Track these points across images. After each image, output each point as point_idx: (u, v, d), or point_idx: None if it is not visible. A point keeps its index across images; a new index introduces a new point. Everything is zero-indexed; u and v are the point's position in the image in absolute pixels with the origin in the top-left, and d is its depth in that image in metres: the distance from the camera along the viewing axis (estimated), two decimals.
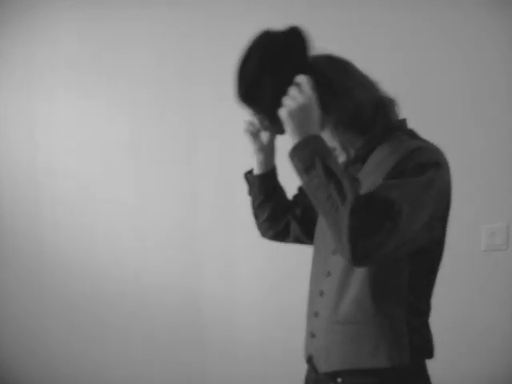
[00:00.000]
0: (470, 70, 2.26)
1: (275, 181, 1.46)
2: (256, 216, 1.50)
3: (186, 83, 2.39)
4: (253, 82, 1.16)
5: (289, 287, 2.26)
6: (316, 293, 1.28)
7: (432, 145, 1.15)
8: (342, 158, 1.23)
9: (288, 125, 1.11)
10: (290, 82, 1.13)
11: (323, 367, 1.22)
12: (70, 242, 2.46)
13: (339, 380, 1.19)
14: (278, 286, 2.34)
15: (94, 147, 2.44)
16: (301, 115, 1.09)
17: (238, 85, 1.19)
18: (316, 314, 1.26)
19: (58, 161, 2.46)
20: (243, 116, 2.40)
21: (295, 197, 1.50)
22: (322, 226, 1.33)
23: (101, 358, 2.47)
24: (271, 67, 1.15)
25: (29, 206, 2.48)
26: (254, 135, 1.38)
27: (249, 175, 1.46)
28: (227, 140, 2.34)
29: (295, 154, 1.09)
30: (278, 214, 1.46)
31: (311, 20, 2.18)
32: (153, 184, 2.41)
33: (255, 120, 1.33)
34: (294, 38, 1.17)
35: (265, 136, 1.38)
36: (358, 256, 0.99)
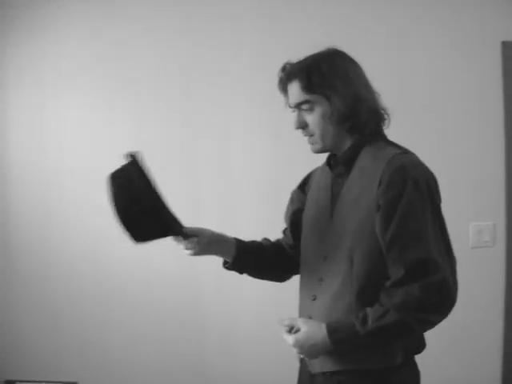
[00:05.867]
0: (463, 75, 2.34)
1: (251, 255, 1.43)
2: (265, 278, 1.52)
3: (187, 84, 2.44)
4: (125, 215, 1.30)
5: (289, 281, 2.29)
6: (308, 297, 1.29)
7: (408, 155, 1.18)
8: (317, 146, 1.24)
9: (311, 356, 1.19)
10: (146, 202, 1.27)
11: (317, 368, 1.25)
12: (76, 241, 2.50)
13: (333, 378, 1.22)
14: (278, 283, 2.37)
15: (99, 147, 2.49)
16: (310, 348, 1.16)
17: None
18: (310, 318, 1.27)
19: (65, 160, 2.50)
20: (243, 116, 2.46)
21: (284, 235, 1.51)
22: (309, 231, 1.35)
23: (103, 352, 2.50)
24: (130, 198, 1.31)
25: (38, 205, 2.51)
26: (197, 252, 1.38)
27: (228, 266, 1.43)
28: (228, 140, 2.39)
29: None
30: (278, 266, 1.47)
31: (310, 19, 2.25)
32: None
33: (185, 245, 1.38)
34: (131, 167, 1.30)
35: (199, 242, 1.38)
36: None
